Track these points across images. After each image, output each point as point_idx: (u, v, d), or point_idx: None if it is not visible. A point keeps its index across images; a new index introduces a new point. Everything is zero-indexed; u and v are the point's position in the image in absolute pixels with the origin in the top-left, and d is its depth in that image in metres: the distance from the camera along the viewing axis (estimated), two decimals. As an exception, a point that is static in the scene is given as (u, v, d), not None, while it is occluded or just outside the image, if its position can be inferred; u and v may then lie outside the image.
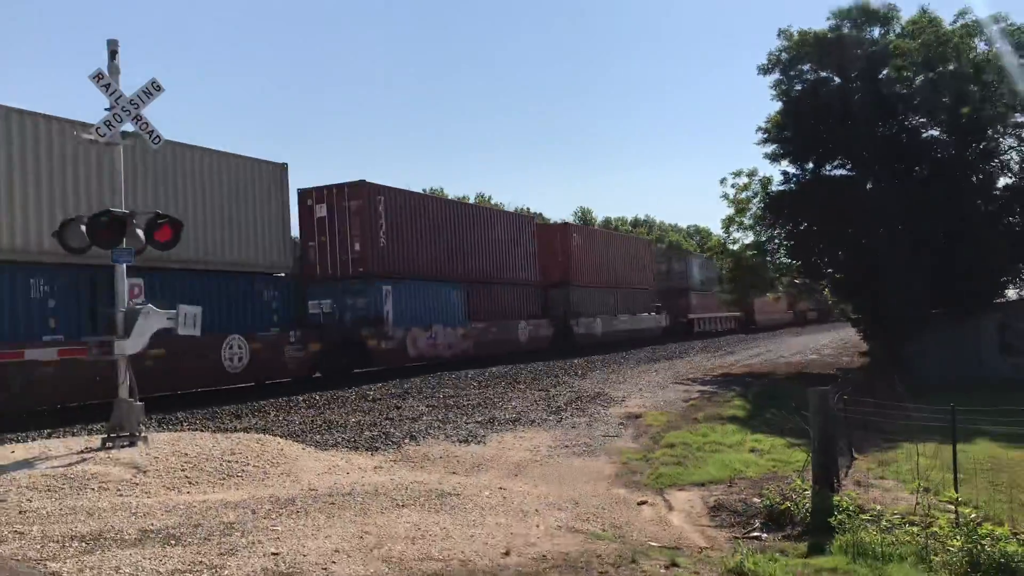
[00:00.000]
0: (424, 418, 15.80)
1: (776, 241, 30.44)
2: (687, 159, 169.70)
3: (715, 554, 7.68)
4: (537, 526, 8.00)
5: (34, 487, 8.58)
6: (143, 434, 10.95)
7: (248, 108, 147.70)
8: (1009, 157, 27.48)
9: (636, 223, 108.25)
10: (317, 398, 19.27)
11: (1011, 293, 28.70)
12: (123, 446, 10.58)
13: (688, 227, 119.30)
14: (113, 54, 11.36)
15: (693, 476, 10.98)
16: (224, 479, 9.60)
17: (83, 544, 6.64)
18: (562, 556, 6.96)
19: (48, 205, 16.79)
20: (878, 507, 8.53)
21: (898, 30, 28.04)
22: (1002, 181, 27.69)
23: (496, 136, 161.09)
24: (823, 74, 28.21)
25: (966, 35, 26.57)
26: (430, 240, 29.04)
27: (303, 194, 26.31)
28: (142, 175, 18.52)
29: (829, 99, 27.13)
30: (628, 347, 39.12)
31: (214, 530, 7.14)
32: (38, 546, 6.50)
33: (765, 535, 8.38)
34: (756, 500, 9.41)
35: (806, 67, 28.20)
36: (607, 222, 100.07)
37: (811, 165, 28.82)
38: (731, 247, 32.47)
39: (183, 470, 9.65)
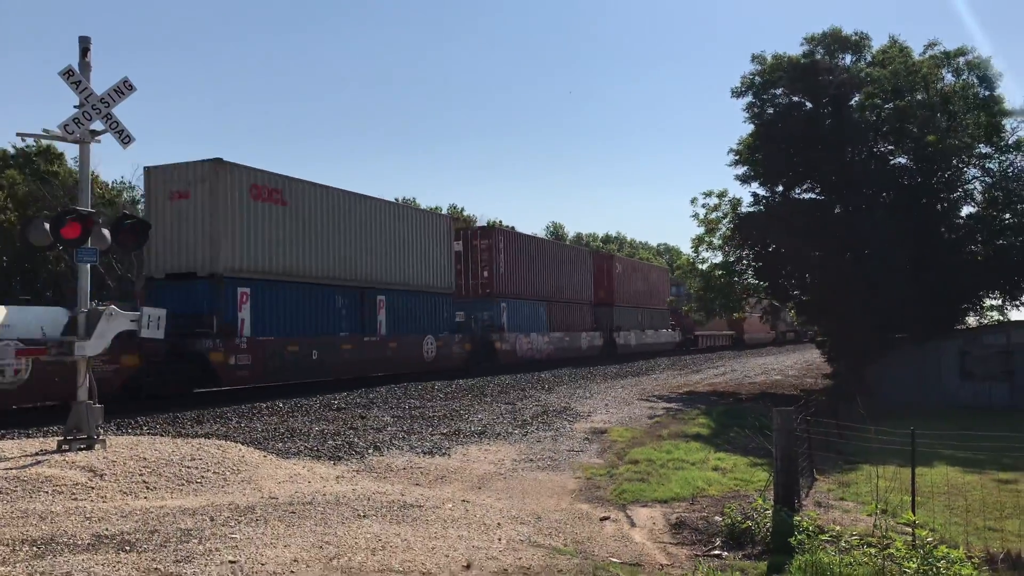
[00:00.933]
0: (389, 428, 15.69)
1: (744, 262, 30.74)
2: (658, 178, 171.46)
3: (676, 571, 7.70)
4: (499, 540, 7.96)
5: (-15, 489, 8.38)
6: (101, 437, 10.74)
7: (239, 111, 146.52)
8: (973, 187, 28.10)
9: (607, 240, 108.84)
10: (280, 405, 19.06)
11: (972, 320, 29.25)
12: (80, 449, 10.38)
13: (658, 245, 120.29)
14: (85, 51, 11.21)
15: (656, 493, 11.00)
16: (183, 485, 9.45)
17: (34, 549, 6.49)
18: (523, 570, 6.94)
19: (341, 250, 25.64)
20: (837, 528, 8.60)
21: (869, 58, 28.60)
22: (966, 210, 28.32)
23: (467, 148, 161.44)
24: (795, 99, 28.63)
25: (934, 66, 27.15)
26: (528, 268, 37.50)
27: (445, 233, 34.43)
28: (376, 228, 27.39)
29: (800, 123, 27.53)
30: (654, 356, 49.21)
31: (171, 537, 7.02)
32: (-13, 549, 6.35)
33: (726, 553, 8.41)
34: (718, 518, 9.44)
35: (779, 91, 28.60)
36: (578, 238, 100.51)
37: (781, 188, 29.19)
38: (700, 267, 32.72)
39: (141, 475, 9.49)
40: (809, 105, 28.39)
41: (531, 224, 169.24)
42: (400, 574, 6.45)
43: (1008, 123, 27.17)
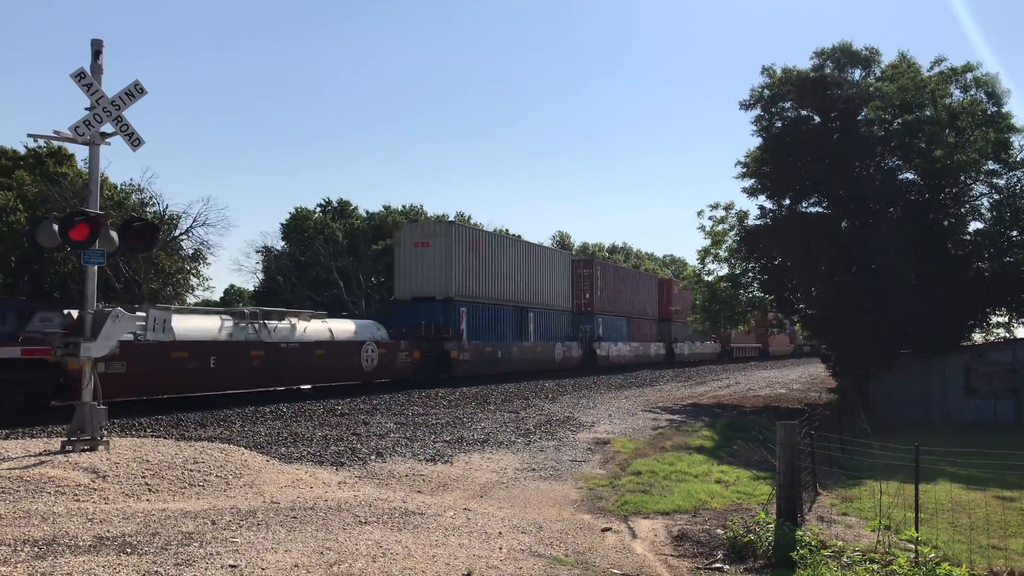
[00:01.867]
0: (392, 435, 15.69)
1: (750, 275, 30.68)
2: (664, 188, 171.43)
3: (677, 584, 7.66)
4: (500, 549, 7.95)
5: (-11, 488, 8.40)
6: (104, 439, 10.77)
7: (236, 118, 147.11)
8: (980, 203, 28.03)
9: (613, 250, 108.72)
10: (284, 410, 19.07)
11: (977, 337, 29.13)
12: (83, 450, 10.40)
13: (664, 256, 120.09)
14: (97, 54, 11.28)
15: (658, 504, 10.97)
16: (185, 488, 9.46)
17: (36, 549, 6.50)
18: (524, 580, 6.91)
19: (509, 280, 36.08)
20: (840, 543, 8.57)
21: (878, 73, 28.56)
22: (973, 225, 28.23)
23: (475, 155, 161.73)
24: (803, 112, 28.60)
25: (942, 82, 27.13)
26: (614, 290, 46.41)
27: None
28: (526, 263, 37.70)
29: (808, 137, 27.50)
30: (703, 364, 57.49)
31: (172, 539, 7.02)
32: (-11, 549, 6.36)
33: (727, 567, 8.38)
34: (720, 531, 9.41)
35: (787, 104, 28.58)
36: (584, 247, 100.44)
37: (788, 201, 29.13)
38: (706, 278, 32.67)
39: (144, 477, 9.50)
40: (817, 119, 28.37)
41: (538, 232, 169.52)
42: (400, 581, 6.44)
43: (1016, 140, 27.15)
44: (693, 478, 13.02)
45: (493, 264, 34.81)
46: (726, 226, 30.76)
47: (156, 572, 6.05)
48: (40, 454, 10.20)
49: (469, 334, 32.43)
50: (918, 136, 26.28)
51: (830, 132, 27.69)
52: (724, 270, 31.59)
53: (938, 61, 27.96)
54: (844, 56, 28.40)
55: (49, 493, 8.52)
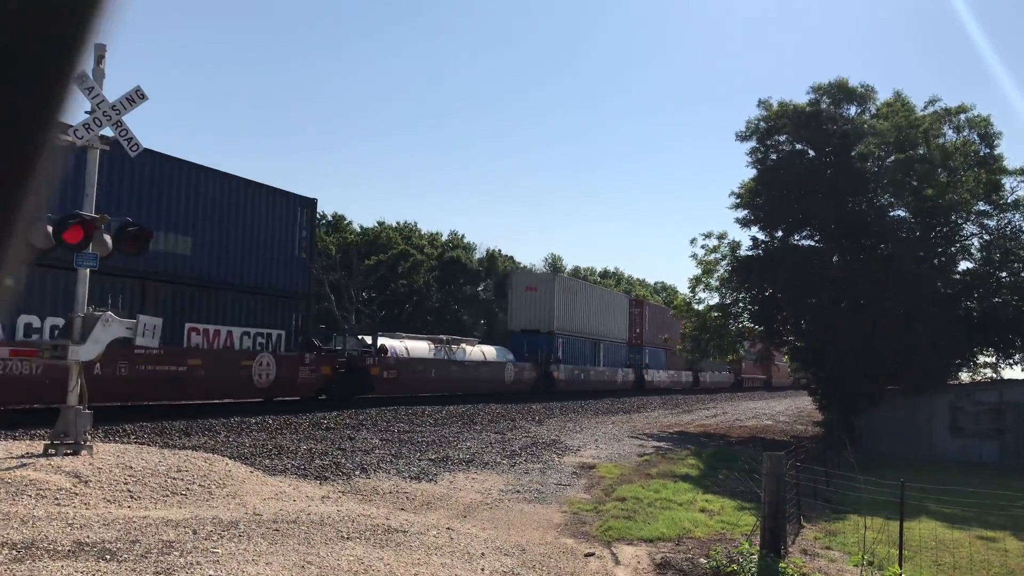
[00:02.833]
0: (377, 451, 15.60)
1: (740, 305, 30.79)
2: (658, 216, 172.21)
3: (658, 612, 7.63)
4: (482, 570, 7.90)
5: (-32, 489, 8.32)
6: (88, 443, 10.68)
7: (229, 130, 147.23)
8: (971, 243, 28.27)
9: (605, 274, 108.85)
10: (270, 422, 18.97)
11: (964, 376, 29.26)
12: (66, 454, 10.31)
13: (655, 283, 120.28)
14: (99, 59, 11.31)
15: (642, 531, 10.93)
16: (168, 496, 9.38)
17: (14, 552, 6.43)
18: (505, 602, 6.87)
19: (588, 316, 43.97)
20: (823, 577, 8.56)
21: (873, 110, 28.88)
22: (962, 265, 28.44)
23: (470, 174, 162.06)
24: (798, 146, 28.88)
25: (935, 121, 27.45)
26: (655, 326, 51.95)
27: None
28: (597, 302, 46.23)
29: (802, 171, 27.75)
30: (720, 391, 62.64)
31: (152, 548, 6.96)
32: (-33, 550, 6.29)
33: (709, 596, 8.35)
34: (703, 560, 9.38)
35: (782, 138, 28.86)
36: (576, 271, 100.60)
37: (780, 233, 29.33)
38: (696, 307, 32.77)
39: (126, 483, 9.42)
40: (812, 153, 28.63)
41: (530, 254, 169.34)
42: (381, 599, 6.39)
43: (1008, 182, 27.44)
44: (678, 506, 12.99)
45: (578, 305, 43.06)
46: (718, 255, 30.91)
47: (135, 580, 5.99)
48: (22, 456, 10.11)
49: (564, 360, 40.50)
50: (910, 174, 26.54)
51: (824, 167, 27.95)
52: (715, 299, 31.71)
53: (932, 101, 28.34)
54: (840, 92, 28.73)
55: (30, 496, 8.43)
